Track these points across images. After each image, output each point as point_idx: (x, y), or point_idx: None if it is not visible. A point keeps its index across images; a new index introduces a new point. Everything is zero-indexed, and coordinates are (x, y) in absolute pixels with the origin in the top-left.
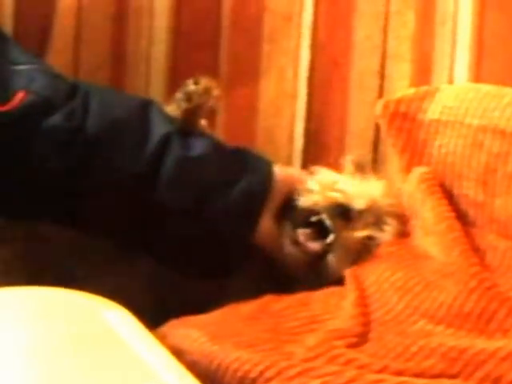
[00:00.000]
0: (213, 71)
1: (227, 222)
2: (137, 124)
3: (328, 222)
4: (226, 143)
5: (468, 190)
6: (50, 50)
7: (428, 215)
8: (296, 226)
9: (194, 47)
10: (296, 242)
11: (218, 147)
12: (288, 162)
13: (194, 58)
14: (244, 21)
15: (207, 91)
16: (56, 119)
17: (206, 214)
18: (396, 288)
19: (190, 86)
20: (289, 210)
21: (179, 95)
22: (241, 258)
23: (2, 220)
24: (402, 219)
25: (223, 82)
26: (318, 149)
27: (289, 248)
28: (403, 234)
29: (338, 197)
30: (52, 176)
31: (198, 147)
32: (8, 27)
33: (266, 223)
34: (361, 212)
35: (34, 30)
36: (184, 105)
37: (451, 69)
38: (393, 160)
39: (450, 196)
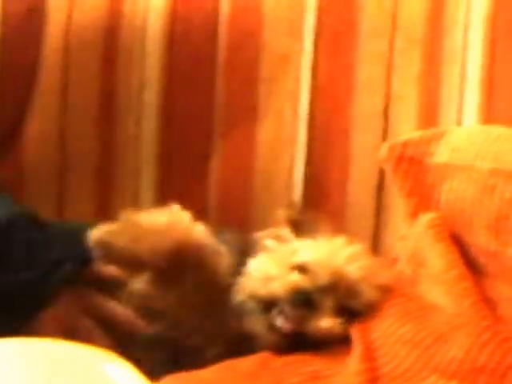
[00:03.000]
0: (208, 113)
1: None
2: None
3: (291, 314)
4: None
5: (479, 238)
6: (36, 92)
7: (436, 263)
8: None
9: (188, 89)
10: (271, 326)
11: (21, 223)
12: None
13: (188, 100)
14: (240, 61)
15: None
16: None
17: None
18: (404, 341)
19: None
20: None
21: None
22: None
23: None
24: (378, 281)
25: (218, 123)
26: (319, 195)
27: (263, 332)
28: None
29: (297, 280)
30: None
31: None
32: None
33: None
34: (326, 289)
35: (20, 71)
36: None
37: (460, 110)
38: (398, 206)
39: (459, 243)
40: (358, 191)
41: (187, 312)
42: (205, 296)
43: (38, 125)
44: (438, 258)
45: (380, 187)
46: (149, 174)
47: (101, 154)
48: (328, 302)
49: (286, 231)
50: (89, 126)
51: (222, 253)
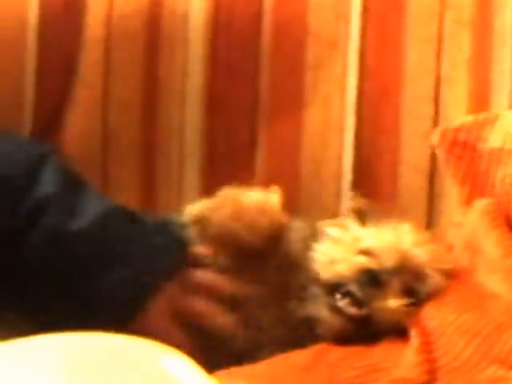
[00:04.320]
0: (253, 101)
1: (103, 310)
2: (20, 181)
3: (358, 294)
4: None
5: None
6: (77, 85)
7: (493, 250)
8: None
9: (233, 77)
10: (335, 309)
11: (116, 217)
12: (336, 198)
13: (233, 89)
14: (286, 47)
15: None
16: None
17: (75, 295)
18: (462, 332)
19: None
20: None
21: None
22: None
23: None
24: (443, 265)
25: (264, 112)
26: (369, 183)
27: (326, 316)
28: (451, 276)
29: (364, 262)
30: None
31: (86, 216)
32: (32, 59)
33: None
34: (393, 271)
35: (60, 63)
36: None
37: (511, 93)
38: (452, 192)
39: None
40: (410, 178)
41: (264, 294)
42: (281, 279)
43: (80, 117)
44: (494, 245)
45: (432, 173)
46: (193, 164)
47: (144, 145)
48: (394, 284)
49: (350, 221)
50: (132, 116)
51: (296, 238)
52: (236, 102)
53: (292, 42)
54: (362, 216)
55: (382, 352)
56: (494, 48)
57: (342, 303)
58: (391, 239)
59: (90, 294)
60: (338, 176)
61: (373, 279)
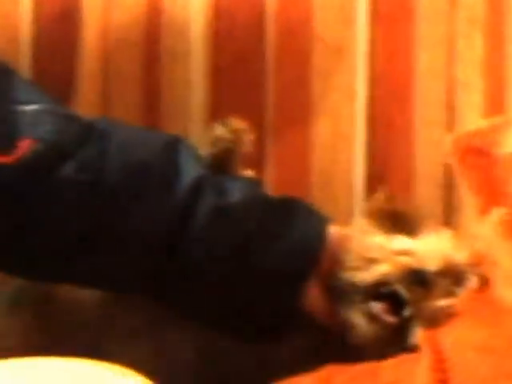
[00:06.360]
0: (258, 113)
1: (271, 283)
2: (162, 167)
3: (403, 293)
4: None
5: None
6: (75, 102)
7: (510, 262)
8: (363, 299)
9: (236, 88)
10: (370, 316)
11: (259, 193)
12: (348, 212)
13: (237, 101)
14: (290, 55)
15: (236, 135)
16: (68, 170)
17: (245, 271)
18: (477, 348)
19: (217, 129)
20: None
21: (205, 139)
22: (289, 321)
23: (21, 281)
24: (483, 272)
25: (270, 124)
26: None
27: (361, 323)
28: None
29: (409, 261)
30: (67, 237)
31: (235, 193)
32: (25, 75)
33: (315, 288)
34: (437, 274)
35: (56, 79)
36: (211, 150)
37: None
38: (468, 204)
39: None
40: (425, 190)
41: None
42: None
43: None
44: (510, 257)
45: (448, 185)
46: None
47: None
48: (439, 286)
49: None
50: None
51: None
52: (241, 114)
53: (296, 49)
54: (380, 218)
55: (393, 373)
56: (508, 48)
57: (379, 310)
58: (433, 243)
59: (258, 270)
60: (349, 189)
61: (419, 279)
